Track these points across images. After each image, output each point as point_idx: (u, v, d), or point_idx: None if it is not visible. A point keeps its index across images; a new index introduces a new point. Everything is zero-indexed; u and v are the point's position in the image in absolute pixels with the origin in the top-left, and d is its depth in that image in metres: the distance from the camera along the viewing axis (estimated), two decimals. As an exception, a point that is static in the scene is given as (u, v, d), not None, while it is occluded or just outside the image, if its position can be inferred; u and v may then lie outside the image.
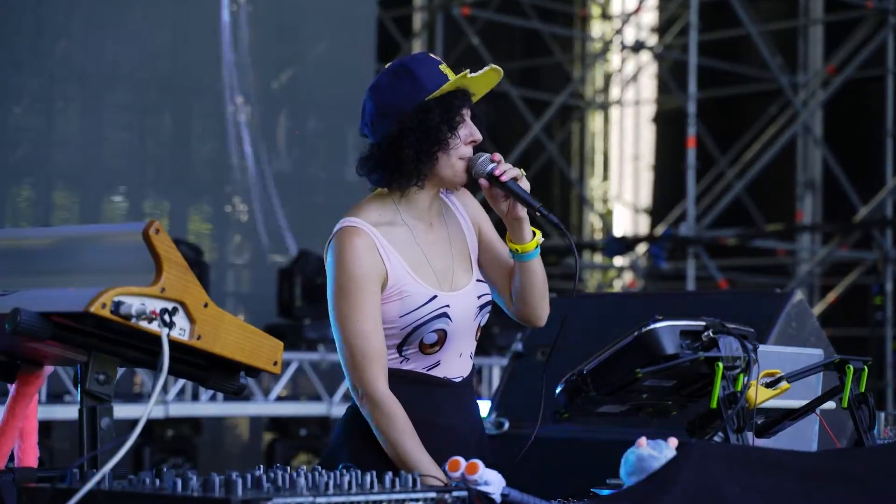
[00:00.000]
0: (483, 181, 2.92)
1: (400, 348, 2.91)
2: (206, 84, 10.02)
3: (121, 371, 2.41)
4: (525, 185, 2.92)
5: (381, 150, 2.91)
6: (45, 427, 7.42)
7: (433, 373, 2.94)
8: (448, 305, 2.90)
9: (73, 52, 9.52)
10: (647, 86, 15.23)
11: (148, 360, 2.31)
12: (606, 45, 14.64)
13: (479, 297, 2.98)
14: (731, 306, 4.07)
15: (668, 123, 14.86)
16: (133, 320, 2.18)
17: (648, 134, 15.23)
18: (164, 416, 7.92)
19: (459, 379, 2.97)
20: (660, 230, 13.30)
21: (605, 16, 15.10)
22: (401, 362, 2.92)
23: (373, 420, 2.82)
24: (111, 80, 9.63)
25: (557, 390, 2.72)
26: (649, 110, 15.22)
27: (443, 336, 2.91)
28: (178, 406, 8.03)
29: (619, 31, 14.22)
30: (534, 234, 2.98)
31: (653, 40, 14.68)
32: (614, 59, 15.07)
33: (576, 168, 15.16)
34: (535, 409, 2.89)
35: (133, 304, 2.18)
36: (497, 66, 2.97)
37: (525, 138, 13.38)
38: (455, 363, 2.95)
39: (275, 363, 2.44)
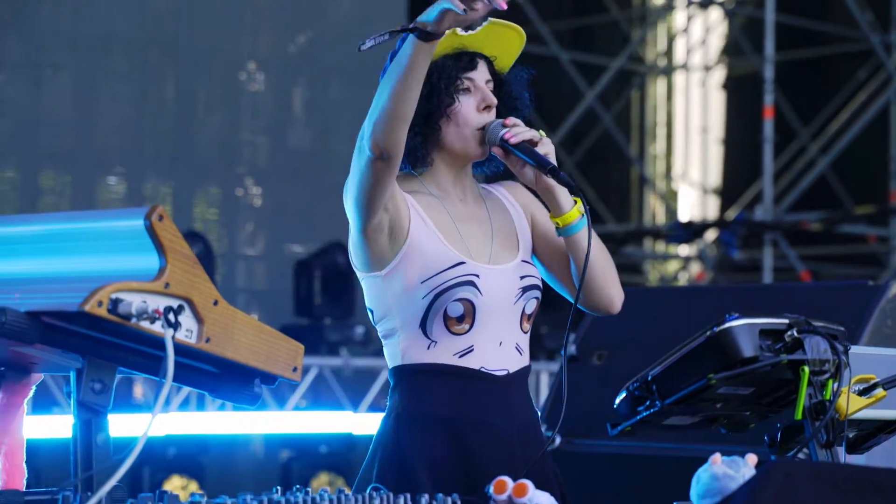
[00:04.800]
0: (497, 149, 2.98)
1: (424, 326, 2.92)
2: (214, 48, 10.05)
3: (119, 378, 2.41)
4: (545, 148, 2.95)
5: None
6: (32, 443, 7.46)
7: (466, 363, 2.94)
8: (477, 275, 2.94)
9: (62, 13, 9.56)
10: (717, 47, 15.15)
11: (150, 366, 2.31)
12: (670, 1, 14.57)
13: (521, 278, 3.01)
14: (817, 301, 4.05)
15: (741, 91, 14.77)
16: (133, 320, 2.18)
17: (718, 103, 15.16)
18: (165, 432, 7.95)
19: (503, 373, 2.97)
20: (732, 214, 13.24)
21: (669, -32, 15.04)
22: (428, 348, 2.93)
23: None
24: (106, 45, 9.66)
25: (618, 399, 2.71)
26: (719, 75, 15.15)
27: (470, 309, 2.92)
28: (183, 418, 8.06)
29: (684, -15, 14.16)
30: (574, 203, 3.00)
31: (723, -5, 14.60)
32: (679, 16, 15.00)
33: (635, 142, 15.12)
34: (592, 422, 2.89)
35: (133, 301, 2.18)
36: (504, 22, 3.02)
37: (577, 108, 13.35)
38: (493, 352, 2.96)
39: (294, 369, 2.44)
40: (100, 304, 2.15)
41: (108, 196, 9.71)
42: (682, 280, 14.28)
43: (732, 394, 2.69)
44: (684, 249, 14.22)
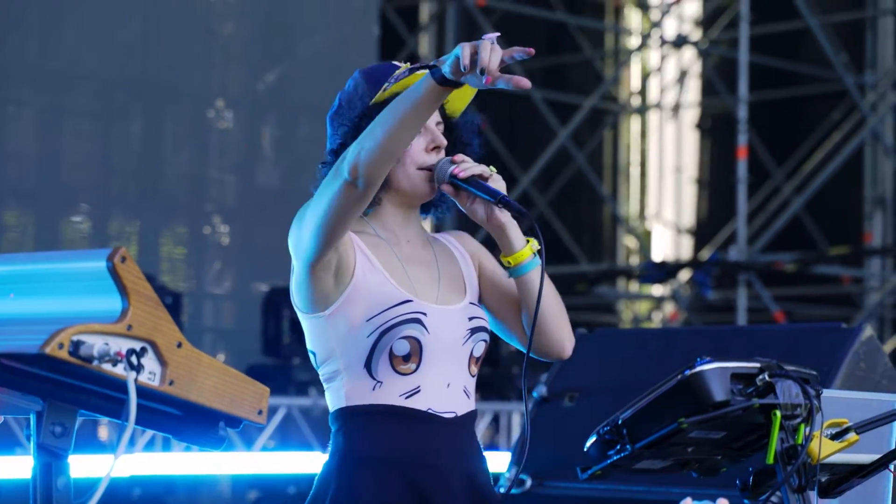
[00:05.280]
0: (447, 187, 2.95)
1: (369, 366, 2.89)
2: (182, 85, 10.05)
3: (82, 419, 2.40)
4: (496, 183, 2.93)
5: (332, 157, 3.00)
6: (-6, 483, 7.42)
7: (413, 404, 2.90)
8: (424, 314, 2.91)
9: (28, 49, 9.55)
10: (691, 87, 15.24)
11: (113, 409, 2.30)
12: (643, 40, 14.66)
13: (469, 319, 2.98)
14: (790, 343, 4.06)
15: (715, 131, 14.86)
16: (95, 363, 2.17)
17: (692, 143, 15.24)
18: (129, 472, 7.91)
19: (451, 415, 2.94)
20: (706, 254, 13.29)
21: (642, 6, 15.13)
22: (373, 388, 2.90)
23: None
24: (71, 81, 9.65)
25: (589, 442, 2.71)
26: (693, 115, 15.23)
27: (416, 347, 2.89)
28: (147, 460, 8.02)
29: (657, 24, 14.25)
30: (527, 242, 2.99)
31: (697, 34, 14.70)
32: (652, 55, 15.09)
33: (608, 182, 15.17)
34: (562, 464, 2.88)
35: (95, 343, 2.17)
36: None
37: (550, 147, 13.39)
38: (442, 394, 2.93)
39: (259, 412, 2.43)
40: (60, 346, 2.14)
41: (72, 234, 9.68)
42: (656, 320, 14.30)
43: (704, 438, 2.69)
44: (658, 289, 14.26)
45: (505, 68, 2.68)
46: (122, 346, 2.21)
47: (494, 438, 9.97)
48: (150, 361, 2.25)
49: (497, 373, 9.99)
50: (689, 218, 15.15)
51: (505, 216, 2.94)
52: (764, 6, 12.70)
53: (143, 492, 8.35)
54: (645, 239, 15.14)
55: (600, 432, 2.68)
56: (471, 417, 2.99)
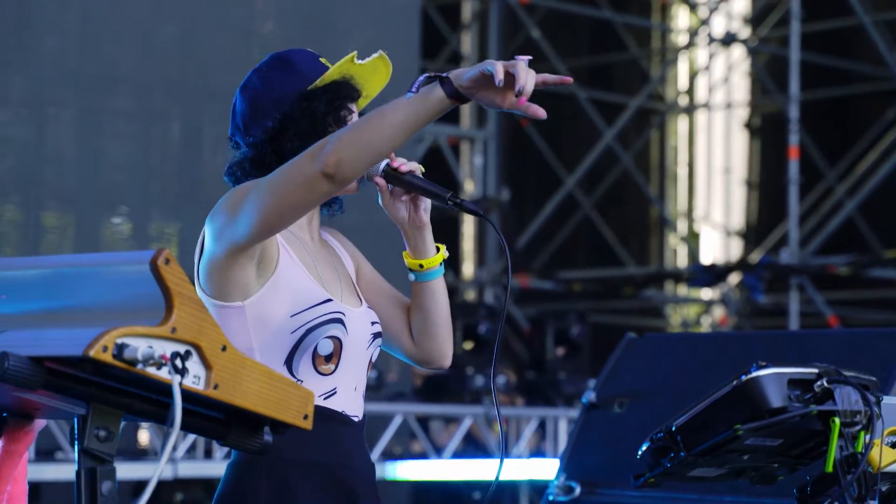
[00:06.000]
0: (379, 180, 2.91)
1: (290, 364, 2.88)
2: (221, 86, 10.07)
3: (124, 425, 2.41)
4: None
5: (258, 149, 2.96)
6: (34, 489, 7.46)
7: (332, 405, 2.91)
8: (343, 314, 2.91)
9: (67, 50, 9.61)
10: (740, 86, 15.18)
11: (157, 413, 2.30)
12: (691, 38, 14.60)
13: (372, 324, 2.99)
14: (846, 349, 4.03)
15: (766, 130, 14.79)
16: (139, 366, 2.17)
17: (741, 143, 15.17)
18: (172, 476, 7.94)
19: (357, 419, 2.97)
20: (756, 257, 13.22)
21: (690, 3, 15.08)
22: None
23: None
24: (110, 83, 9.70)
25: (642, 449, 2.69)
26: (742, 115, 15.16)
27: (338, 348, 2.89)
28: (189, 465, 8.05)
29: (705, 22, 14.19)
30: (438, 248, 2.99)
31: (746, 32, 14.63)
32: (700, 54, 15.03)
33: (655, 183, 15.12)
34: (612, 471, 2.87)
35: (139, 346, 2.17)
36: (385, 56, 3.01)
37: (595, 148, 13.37)
38: (351, 397, 2.95)
39: (305, 417, 2.43)
40: (105, 349, 2.14)
41: (112, 236, 9.73)
42: (705, 324, 14.25)
43: (760, 445, 2.67)
44: (707, 293, 14.20)
45: (544, 72, 2.67)
46: (167, 349, 2.21)
47: (541, 445, 9.96)
48: (194, 365, 2.25)
49: (543, 378, 9.97)
50: (738, 220, 15.08)
51: (426, 217, 2.94)
52: (815, 2, 12.63)
53: (185, 496, 8.38)
54: (693, 241, 15.08)
55: (654, 438, 2.67)
56: (364, 421, 3.02)
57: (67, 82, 9.54)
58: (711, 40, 14.40)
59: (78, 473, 2.25)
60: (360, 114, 3.03)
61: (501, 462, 3.03)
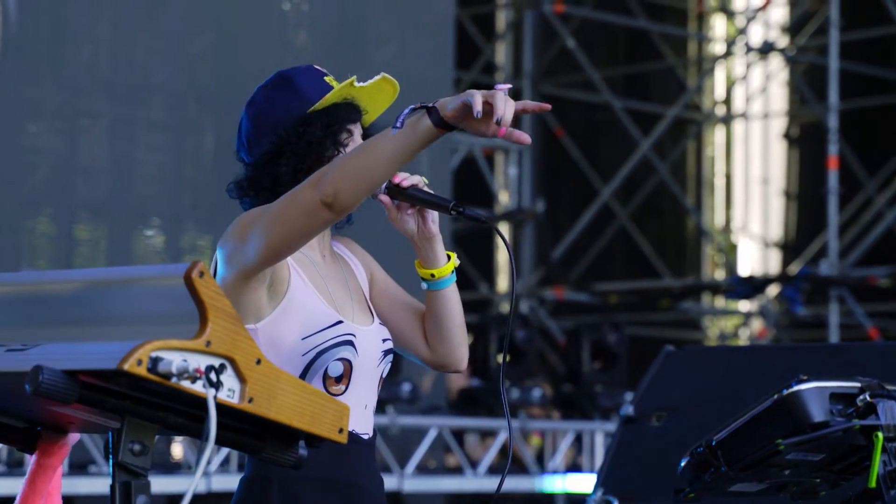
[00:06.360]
0: (383, 197, 2.96)
1: None
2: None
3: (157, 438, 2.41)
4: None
5: (256, 169, 3.03)
6: (68, 502, 7.50)
7: None
8: (354, 335, 2.96)
9: (99, 61, 9.65)
10: (778, 95, 15.12)
11: (191, 427, 2.30)
12: (728, 48, 14.57)
13: (383, 341, 3.05)
14: (886, 362, 4.00)
15: (804, 140, 14.73)
16: (173, 380, 2.17)
17: (779, 153, 15.12)
18: (206, 490, 7.96)
19: (367, 437, 3.02)
20: (795, 268, 13.16)
21: (727, 12, 15.04)
22: None
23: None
24: (143, 93, 9.74)
25: (682, 464, 2.68)
26: (780, 124, 15.11)
27: (348, 369, 2.95)
28: (223, 479, 8.07)
29: (743, 31, 14.15)
30: (448, 257, 3.04)
31: (784, 41, 14.59)
32: (738, 63, 14.99)
33: (692, 194, 15.08)
34: (650, 486, 2.86)
35: (174, 360, 2.17)
36: (390, 77, 3.04)
37: (631, 158, 13.33)
38: (361, 415, 2.99)
39: (340, 430, 2.43)
40: (139, 362, 2.14)
41: (144, 248, 9.76)
42: (743, 337, 14.19)
43: (802, 460, 2.66)
44: (745, 305, 14.14)
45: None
46: (201, 362, 2.21)
47: (577, 459, 9.93)
48: (228, 378, 2.25)
49: (579, 391, 9.95)
50: (777, 231, 15.03)
51: (435, 228, 2.98)
52: (854, 11, 12.58)
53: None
54: (731, 253, 15.03)
55: (693, 453, 2.66)
56: (375, 439, 3.07)
57: (100, 93, 9.58)
58: (749, 49, 14.36)
59: (112, 487, 2.25)
60: (367, 132, 3.06)
61: (504, 475, 3.04)
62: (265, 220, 2.82)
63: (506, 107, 2.63)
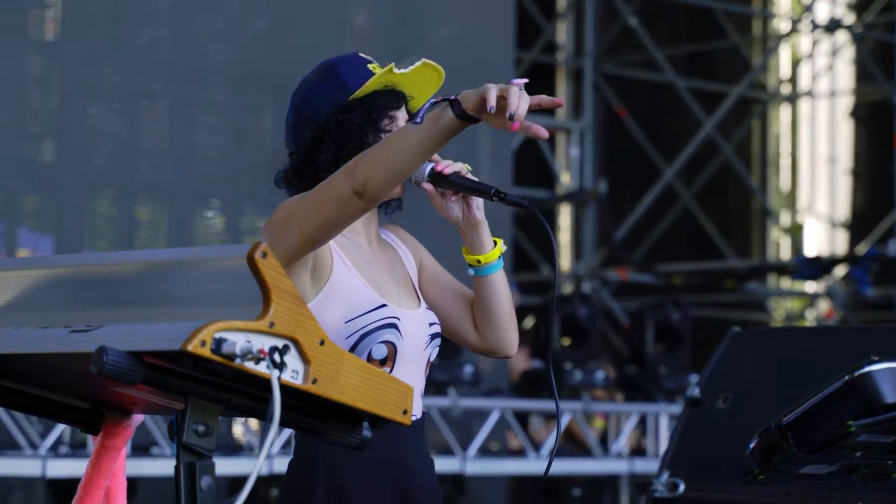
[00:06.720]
0: (427, 185, 3.01)
1: None
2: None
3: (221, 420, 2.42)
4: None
5: (299, 158, 3.10)
6: (131, 484, 7.55)
7: None
8: (398, 318, 3.02)
9: (158, 42, 9.70)
10: (845, 73, 14.99)
11: (255, 408, 2.32)
12: (794, 25, 14.45)
13: (430, 325, 3.10)
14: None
15: (871, 118, 14.60)
16: (237, 361, 2.18)
17: (846, 131, 15.00)
18: (268, 472, 7.99)
19: (414, 418, 3.04)
20: (863, 249, 13.06)
21: (792, -12, 14.92)
22: None
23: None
24: (203, 75, 9.77)
25: (750, 446, 2.67)
26: (847, 103, 14.98)
27: (392, 351, 3.00)
28: (285, 461, 8.07)
29: (809, 8, 14.03)
30: (495, 243, 3.09)
31: (851, 18, 14.45)
32: (803, 41, 14.87)
33: (757, 173, 14.99)
34: (717, 468, 2.84)
35: (237, 341, 2.18)
36: (433, 63, 3.07)
37: (695, 138, 13.26)
38: None
39: (404, 412, 2.44)
40: (203, 343, 2.15)
41: (205, 229, 9.81)
42: (810, 318, 14.10)
43: (873, 442, 2.64)
44: (811, 286, 14.04)
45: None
46: (265, 343, 2.22)
47: (641, 442, 9.90)
48: (292, 359, 2.26)
49: (643, 373, 9.92)
50: (843, 210, 14.91)
51: (481, 214, 3.03)
52: (923, -14, 12.45)
53: (279, 493, 8.41)
54: (797, 233, 14.93)
55: (762, 435, 2.65)
56: (424, 421, 3.13)
57: (160, 74, 9.62)
58: (815, 27, 14.24)
59: (177, 469, 2.27)
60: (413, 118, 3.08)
61: (551, 457, 3.08)
62: (302, 208, 2.88)
63: (520, 102, 2.66)
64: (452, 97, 2.73)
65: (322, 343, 2.30)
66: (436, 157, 2.99)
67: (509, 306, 3.12)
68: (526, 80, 2.71)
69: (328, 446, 2.88)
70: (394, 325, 3.00)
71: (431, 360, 3.11)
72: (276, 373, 2.21)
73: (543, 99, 2.70)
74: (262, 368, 2.21)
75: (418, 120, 2.77)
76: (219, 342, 2.17)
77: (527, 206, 2.93)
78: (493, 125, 2.72)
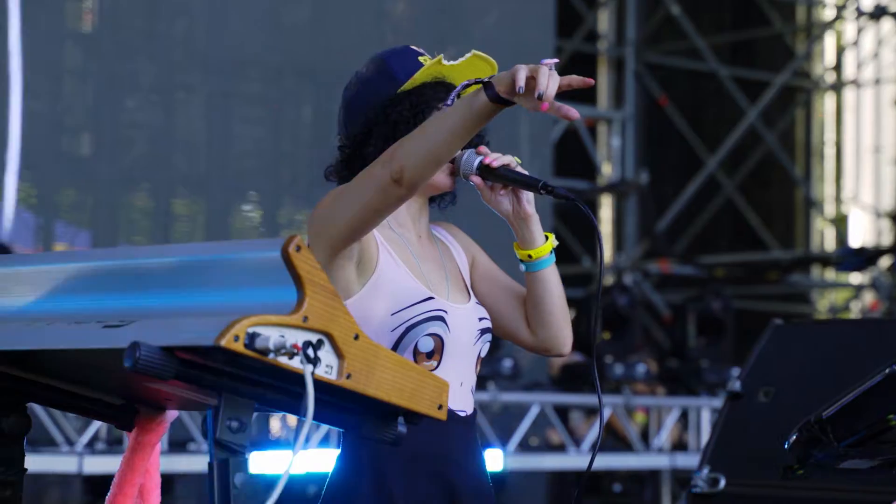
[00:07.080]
0: (475, 178, 3.00)
1: None
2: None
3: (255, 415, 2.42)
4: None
5: (348, 151, 3.10)
6: (167, 481, 7.58)
7: None
8: (446, 311, 3.01)
9: (195, 34, 9.72)
10: (890, 61, 14.90)
11: (289, 404, 2.32)
12: (838, 12, 14.36)
13: (479, 320, 3.08)
14: None
15: (918, 107, 14.50)
16: (270, 356, 2.18)
17: (892, 120, 14.90)
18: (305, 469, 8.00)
19: (464, 414, 3.04)
20: (908, 239, 12.99)
21: (837, -25, 14.84)
22: None
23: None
24: (239, 66, 9.80)
25: (790, 440, 2.66)
26: (892, 91, 14.89)
27: (439, 345, 2.99)
28: (323, 455, 8.10)
29: (854, -6, 13.96)
30: (546, 237, 3.08)
31: (897, 4, 14.37)
32: (848, 28, 14.79)
33: (801, 163, 14.92)
34: (758, 463, 2.83)
35: (271, 336, 2.18)
36: (484, 55, 3.05)
37: (738, 127, 13.21)
38: (457, 392, 3.01)
39: (440, 407, 2.43)
40: (236, 338, 2.15)
41: (242, 223, 9.83)
42: (854, 310, 14.03)
43: (916, 436, 2.62)
44: (856, 277, 13.97)
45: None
46: (299, 338, 2.22)
47: (683, 436, 9.88)
48: (326, 354, 2.26)
49: (684, 366, 9.89)
50: (889, 201, 14.83)
51: (531, 208, 3.02)
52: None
53: (318, 489, 8.44)
54: (841, 224, 14.85)
55: (802, 429, 2.64)
56: (475, 416, 3.10)
57: (196, 66, 9.65)
58: (860, 14, 14.15)
59: (210, 465, 2.27)
60: None
61: (594, 453, 3.06)
62: (343, 198, 2.90)
63: (549, 82, 2.66)
64: (486, 80, 2.74)
65: (356, 337, 2.30)
66: (485, 150, 3.00)
67: (562, 303, 3.11)
68: (556, 61, 2.71)
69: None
70: (441, 318, 2.99)
71: (482, 355, 3.09)
72: (309, 368, 2.21)
73: (573, 79, 2.70)
74: (295, 363, 2.21)
75: (449, 102, 2.79)
76: (252, 337, 2.17)
77: (574, 200, 2.92)
78: (525, 106, 2.72)
